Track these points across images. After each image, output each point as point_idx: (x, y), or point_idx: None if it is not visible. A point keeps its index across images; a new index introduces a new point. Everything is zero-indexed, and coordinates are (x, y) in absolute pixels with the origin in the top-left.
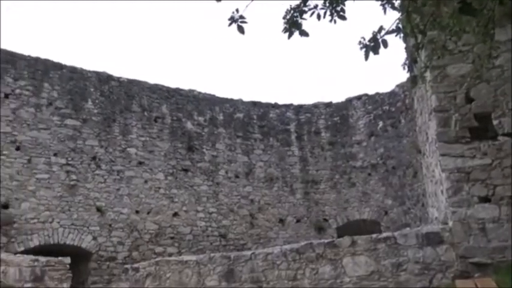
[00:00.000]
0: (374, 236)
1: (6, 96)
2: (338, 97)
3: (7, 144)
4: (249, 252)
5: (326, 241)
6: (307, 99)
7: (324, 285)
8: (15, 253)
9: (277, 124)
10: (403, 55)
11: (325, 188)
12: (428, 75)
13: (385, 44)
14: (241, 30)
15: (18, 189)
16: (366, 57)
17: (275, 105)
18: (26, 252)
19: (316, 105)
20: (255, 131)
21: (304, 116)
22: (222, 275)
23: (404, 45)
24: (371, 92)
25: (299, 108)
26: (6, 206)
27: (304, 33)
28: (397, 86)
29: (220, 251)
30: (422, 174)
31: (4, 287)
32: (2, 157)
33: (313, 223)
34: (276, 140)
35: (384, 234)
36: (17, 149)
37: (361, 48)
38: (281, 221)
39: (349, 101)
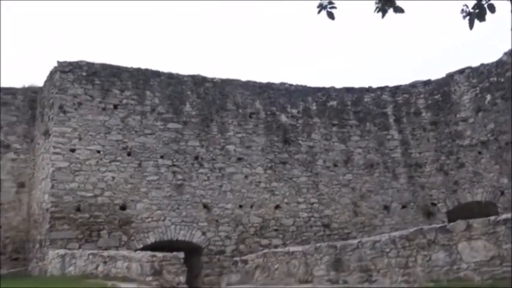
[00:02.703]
0: (492, 218)
1: (115, 107)
2: (437, 74)
3: (120, 150)
4: (355, 241)
5: (437, 226)
6: (403, 80)
7: (439, 272)
8: (135, 250)
9: (373, 108)
10: (507, 20)
11: (431, 171)
12: None
13: (492, 9)
14: (331, 16)
15: (133, 191)
16: (471, 25)
17: (369, 89)
18: (144, 248)
19: (413, 85)
20: (350, 118)
21: (401, 97)
22: (330, 264)
23: (510, 7)
24: (474, 64)
25: (395, 90)
26: (123, 208)
27: (399, 10)
28: (505, 53)
29: (325, 241)
30: None
31: (129, 281)
32: (116, 163)
33: (421, 208)
34: (373, 125)
35: (503, 216)
36: (128, 154)
37: (464, 16)
38: (386, 207)
39: (450, 76)
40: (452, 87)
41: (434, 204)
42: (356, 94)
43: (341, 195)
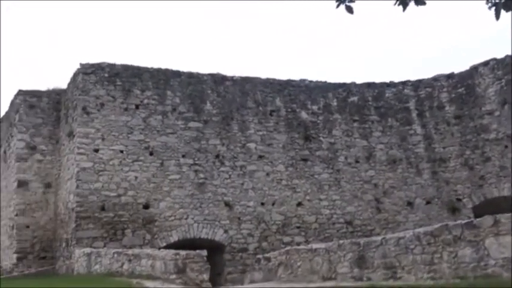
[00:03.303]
0: None
1: (137, 107)
2: (460, 67)
3: (142, 150)
4: (379, 238)
5: (463, 222)
6: (425, 74)
7: (465, 269)
8: (159, 248)
9: (394, 103)
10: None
11: (456, 166)
12: None
13: None
14: (349, 10)
15: (155, 190)
16: (497, 16)
17: (390, 84)
18: (168, 247)
19: (436, 78)
20: (372, 113)
21: (424, 91)
22: (353, 261)
23: None
24: (499, 55)
25: (418, 84)
26: (147, 207)
27: (420, 2)
28: None
29: (348, 238)
30: None
31: (154, 279)
32: (139, 162)
33: (445, 204)
34: (395, 120)
35: None
36: (151, 154)
37: (490, 7)
38: (409, 203)
39: (474, 68)
40: (477, 80)
41: (459, 200)
42: (377, 89)
43: (363, 192)
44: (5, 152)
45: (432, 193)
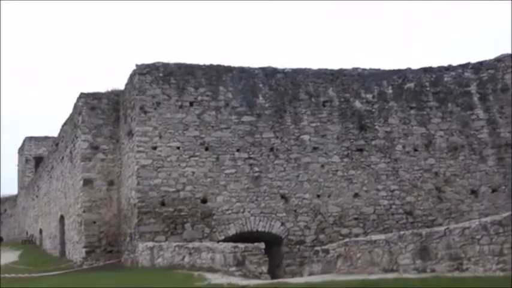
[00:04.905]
0: None
1: (191, 104)
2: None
3: (198, 146)
4: (442, 228)
5: None
6: (486, 55)
7: None
8: (218, 241)
9: (454, 87)
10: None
11: None
12: None
13: None
14: None
15: (212, 185)
16: None
17: (449, 68)
18: (226, 240)
19: (499, 59)
20: (430, 99)
21: (486, 73)
22: (415, 252)
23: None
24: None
25: (479, 66)
26: (204, 201)
27: None
28: None
29: (408, 229)
30: None
31: (214, 271)
32: (195, 158)
33: None
34: (455, 105)
35: None
36: (206, 149)
37: None
38: (473, 192)
39: None
40: None
41: None
42: (435, 74)
43: (423, 181)
44: (70, 152)
45: (498, 180)
